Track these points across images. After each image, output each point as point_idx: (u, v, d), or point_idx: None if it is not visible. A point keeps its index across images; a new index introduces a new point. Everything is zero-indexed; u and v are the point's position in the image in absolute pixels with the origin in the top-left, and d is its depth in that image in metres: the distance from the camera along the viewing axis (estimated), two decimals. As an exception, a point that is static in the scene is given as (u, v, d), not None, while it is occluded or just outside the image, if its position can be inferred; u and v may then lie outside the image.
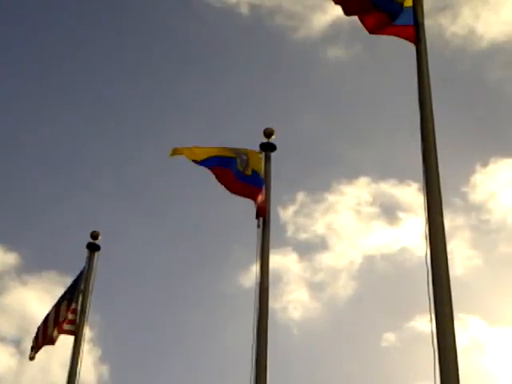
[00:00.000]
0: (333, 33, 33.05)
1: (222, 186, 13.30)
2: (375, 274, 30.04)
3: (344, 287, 30.44)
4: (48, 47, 34.57)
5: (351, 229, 32.32)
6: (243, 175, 13.29)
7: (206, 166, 13.32)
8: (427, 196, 8.93)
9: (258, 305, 11.65)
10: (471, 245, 29.32)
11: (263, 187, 13.17)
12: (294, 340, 27.92)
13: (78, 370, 13.72)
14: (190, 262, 30.77)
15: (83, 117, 33.12)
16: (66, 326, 14.40)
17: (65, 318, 14.42)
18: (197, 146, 13.57)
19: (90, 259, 15.31)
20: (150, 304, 29.24)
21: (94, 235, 15.46)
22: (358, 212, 31.75)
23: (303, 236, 30.01)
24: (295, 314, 29.85)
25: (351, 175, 31.68)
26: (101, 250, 15.61)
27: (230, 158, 13.41)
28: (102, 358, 25.92)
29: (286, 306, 29.23)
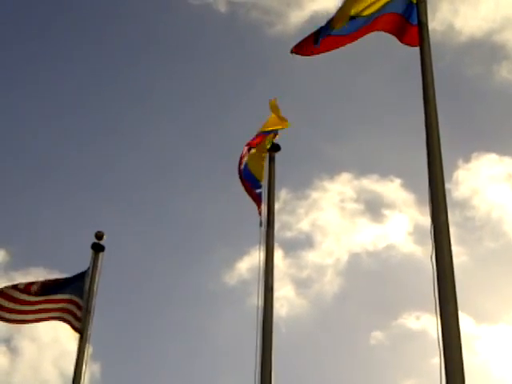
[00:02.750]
0: (310, 28, 32.95)
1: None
2: (361, 271, 30.16)
3: (330, 284, 30.52)
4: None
5: (336, 226, 32.39)
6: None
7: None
8: (431, 194, 8.96)
9: (262, 304, 11.71)
10: (456, 241, 29.36)
11: (256, 187, 13.31)
12: (282, 338, 27.95)
13: (83, 369, 13.67)
14: (174, 260, 30.77)
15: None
16: (75, 323, 14.37)
17: (74, 313, 14.36)
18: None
19: (94, 260, 15.10)
20: (139, 302, 29.25)
21: (99, 235, 15.23)
22: (343, 209, 31.83)
23: (288, 233, 30.03)
24: (282, 311, 29.90)
25: (332, 171, 31.75)
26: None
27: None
28: (93, 356, 25.84)
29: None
